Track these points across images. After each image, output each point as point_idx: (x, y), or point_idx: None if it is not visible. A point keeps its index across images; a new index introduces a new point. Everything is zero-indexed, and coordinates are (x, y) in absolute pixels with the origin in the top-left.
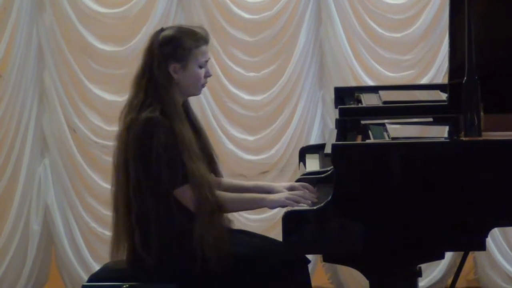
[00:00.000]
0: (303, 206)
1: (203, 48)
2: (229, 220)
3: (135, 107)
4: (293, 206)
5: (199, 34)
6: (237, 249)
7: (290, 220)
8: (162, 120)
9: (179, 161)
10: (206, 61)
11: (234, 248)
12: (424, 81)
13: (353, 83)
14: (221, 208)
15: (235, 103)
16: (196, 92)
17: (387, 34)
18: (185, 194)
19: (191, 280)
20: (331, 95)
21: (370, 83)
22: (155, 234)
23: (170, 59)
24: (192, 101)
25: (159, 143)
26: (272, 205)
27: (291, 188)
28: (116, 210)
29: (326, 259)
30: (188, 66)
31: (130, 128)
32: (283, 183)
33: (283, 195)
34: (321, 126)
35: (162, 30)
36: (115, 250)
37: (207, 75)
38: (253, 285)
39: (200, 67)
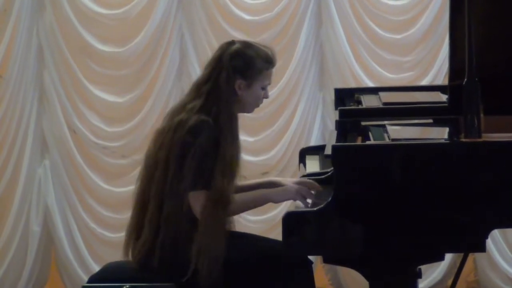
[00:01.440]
0: (303, 207)
1: (271, 71)
2: (231, 222)
3: (188, 110)
4: (299, 201)
5: (271, 57)
6: (238, 253)
7: (290, 221)
8: (212, 126)
9: (208, 169)
10: (269, 84)
11: (235, 252)
12: (424, 82)
13: (353, 85)
14: (223, 226)
15: None
16: (250, 111)
17: (387, 35)
18: (198, 200)
19: (191, 284)
20: (331, 96)
21: (370, 84)
22: (175, 234)
23: (239, 74)
24: None
25: (199, 146)
26: (278, 199)
27: (299, 184)
28: (141, 205)
29: (326, 260)
30: (253, 85)
31: (178, 127)
32: (291, 179)
33: (294, 187)
34: (321, 127)
35: (233, 42)
36: (131, 244)
37: (265, 96)
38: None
39: (263, 88)
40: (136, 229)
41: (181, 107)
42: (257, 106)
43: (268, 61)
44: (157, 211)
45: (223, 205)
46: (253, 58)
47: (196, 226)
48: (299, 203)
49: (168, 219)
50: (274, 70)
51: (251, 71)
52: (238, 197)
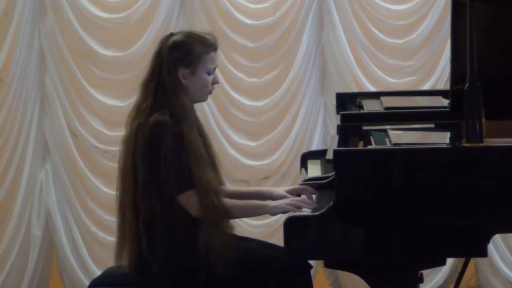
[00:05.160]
0: (305, 212)
1: (212, 54)
2: (232, 227)
3: (143, 111)
4: (294, 212)
5: (209, 40)
6: (239, 256)
7: (292, 226)
8: (171, 123)
9: (186, 166)
10: (215, 68)
11: (236, 255)
12: (426, 87)
13: (354, 89)
14: (226, 214)
15: (236, 109)
16: (203, 99)
17: (389, 40)
18: (190, 200)
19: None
20: (332, 101)
21: (372, 89)
22: (161, 239)
23: (179, 64)
24: (194, 106)
25: (167, 147)
26: (273, 212)
27: (291, 192)
28: (122, 214)
29: (327, 265)
30: (196, 72)
31: (139, 132)
32: (283, 187)
33: (283, 201)
34: (323, 132)
35: (172, 35)
36: (119, 254)
37: (215, 81)
38: None
39: (208, 73)
40: (122, 238)
41: (136, 110)
42: (209, 92)
43: (206, 45)
44: (135, 218)
45: (214, 193)
46: (190, 45)
47: (196, 225)
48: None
49: (147, 225)
50: (216, 53)
51: (190, 58)
52: (238, 202)
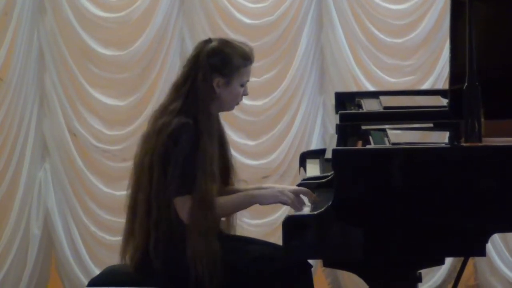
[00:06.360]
0: (304, 212)
1: (249, 68)
2: (232, 226)
3: (170, 112)
4: (287, 203)
5: (248, 54)
6: (238, 257)
7: (291, 225)
8: (192, 128)
9: (191, 172)
10: (247, 81)
11: (236, 256)
12: (425, 86)
13: (354, 89)
14: (215, 227)
15: (236, 108)
16: (230, 109)
17: (388, 39)
18: (184, 205)
19: None
20: (331, 100)
21: (371, 88)
22: (166, 239)
23: (216, 72)
24: None
25: (181, 149)
26: (263, 201)
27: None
28: (132, 210)
29: (326, 264)
30: (231, 82)
31: (161, 131)
32: (287, 186)
33: (278, 191)
34: (322, 131)
35: (210, 41)
36: (124, 249)
37: (244, 94)
38: None
39: (242, 85)
40: (129, 234)
41: (163, 110)
42: (237, 103)
43: (245, 58)
44: (146, 217)
45: (208, 207)
46: (231, 55)
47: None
48: None
49: (156, 224)
50: (251, 67)
51: (228, 69)
52: (224, 198)
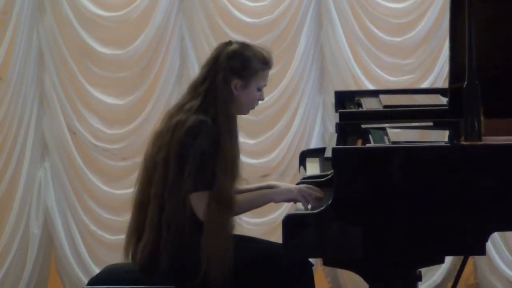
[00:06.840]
0: (303, 210)
1: (267, 72)
2: (233, 226)
3: (187, 111)
4: (300, 202)
5: (267, 58)
6: (239, 256)
7: (290, 224)
8: (210, 126)
9: (210, 169)
10: (265, 85)
11: (236, 255)
12: (425, 85)
13: (353, 87)
14: (231, 227)
15: None
16: (245, 112)
17: (387, 38)
18: (200, 201)
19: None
20: (331, 99)
21: (371, 87)
22: (178, 235)
23: (235, 74)
24: None
25: (199, 145)
26: (279, 198)
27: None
28: (140, 208)
29: (326, 263)
30: (249, 85)
31: (176, 128)
32: (290, 184)
33: (295, 187)
34: (321, 130)
35: (230, 43)
36: (130, 248)
37: (261, 98)
38: None
39: (258, 89)
40: (136, 231)
41: (179, 108)
42: (253, 107)
43: (264, 62)
44: (157, 213)
45: (226, 205)
46: (250, 59)
47: (201, 229)
48: (299, 205)
49: (169, 221)
50: (270, 72)
51: (247, 72)
52: (240, 197)
